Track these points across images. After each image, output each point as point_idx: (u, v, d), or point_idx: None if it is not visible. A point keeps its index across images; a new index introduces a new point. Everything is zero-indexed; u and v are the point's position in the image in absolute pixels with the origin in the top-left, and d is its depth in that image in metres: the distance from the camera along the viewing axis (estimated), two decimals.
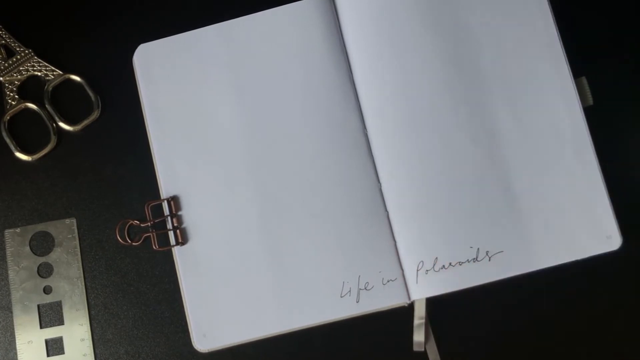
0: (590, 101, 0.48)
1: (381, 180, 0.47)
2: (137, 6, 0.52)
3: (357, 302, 0.46)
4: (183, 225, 0.47)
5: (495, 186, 0.47)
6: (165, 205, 0.48)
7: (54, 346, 0.47)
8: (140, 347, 0.48)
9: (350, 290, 0.46)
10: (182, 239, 0.47)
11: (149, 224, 0.48)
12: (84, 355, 0.47)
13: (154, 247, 0.48)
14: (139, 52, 0.49)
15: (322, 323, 0.46)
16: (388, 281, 0.46)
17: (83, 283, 0.48)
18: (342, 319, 0.46)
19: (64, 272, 0.48)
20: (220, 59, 0.49)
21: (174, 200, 0.48)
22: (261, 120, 0.48)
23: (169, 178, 0.48)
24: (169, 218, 0.47)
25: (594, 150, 0.47)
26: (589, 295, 0.48)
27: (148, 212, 0.48)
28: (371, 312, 0.46)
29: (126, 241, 0.48)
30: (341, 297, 0.46)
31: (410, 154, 0.47)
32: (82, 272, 0.48)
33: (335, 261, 0.47)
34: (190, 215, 0.47)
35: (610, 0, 0.52)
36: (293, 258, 0.47)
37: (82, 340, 0.47)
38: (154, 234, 0.48)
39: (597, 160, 0.47)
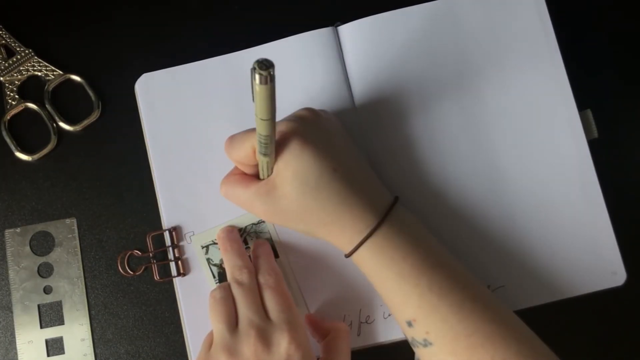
0: (595, 134, 0.48)
1: None
2: (140, 6, 0.52)
3: (358, 335, 0.46)
4: (184, 256, 0.47)
5: (498, 220, 0.47)
6: (166, 235, 0.47)
7: (54, 346, 0.48)
8: (140, 347, 0.48)
9: (351, 324, 0.46)
10: (184, 270, 0.47)
11: (149, 254, 0.48)
12: (84, 355, 0.47)
13: (155, 278, 0.48)
14: (141, 81, 0.49)
15: None
16: (389, 315, 0.46)
17: (83, 283, 0.48)
18: None
19: (64, 272, 0.48)
20: (224, 90, 0.48)
21: (176, 231, 0.47)
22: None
23: (171, 208, 0.48)
24: (170, 249, 0.47)
25: (599, 184, 0.47)
26: (593, 330, 0.48)
27: (149, 242, 0.48)
28: (372, 345, 0.46)
29: (127, 272, 0.48)
30: None
31: (411, 186, 0.47)
32: (82, 272, 0.48)
33: (336, 294, 0.46)
34: (191, 246, 0.47)
35: (617, 34, 0.51)
36: (294, 291, 0.46)
37: (83, 340, 0.47)
38: (155, 265, 0.48)
39: (603, 195, 0.47)
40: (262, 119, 0.34)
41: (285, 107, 0.48)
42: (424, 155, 0.47)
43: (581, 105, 0.48)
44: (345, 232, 0.40)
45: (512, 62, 0.48)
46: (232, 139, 0.42)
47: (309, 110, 0.42)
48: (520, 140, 0.47)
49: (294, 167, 0.39)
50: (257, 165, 0.41)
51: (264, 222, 0.47)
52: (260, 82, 0.31)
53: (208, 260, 0.47)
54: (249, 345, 0.39)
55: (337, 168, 0.40)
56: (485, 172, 0.47)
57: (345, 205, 0.40)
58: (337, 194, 0.40)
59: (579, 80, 0.48)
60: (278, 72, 0.48)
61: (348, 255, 0.41)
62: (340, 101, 0.48)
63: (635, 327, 0.48)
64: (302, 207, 0.40)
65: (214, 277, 0.47)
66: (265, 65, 0.30)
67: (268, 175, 0.41)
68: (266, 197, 0.41)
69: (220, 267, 0.47)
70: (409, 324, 0.40)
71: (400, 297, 0.40)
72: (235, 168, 0.44)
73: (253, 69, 0.31)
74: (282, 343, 0.39)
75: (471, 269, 0.46)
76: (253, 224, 0.47)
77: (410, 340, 0.41)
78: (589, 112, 0.48)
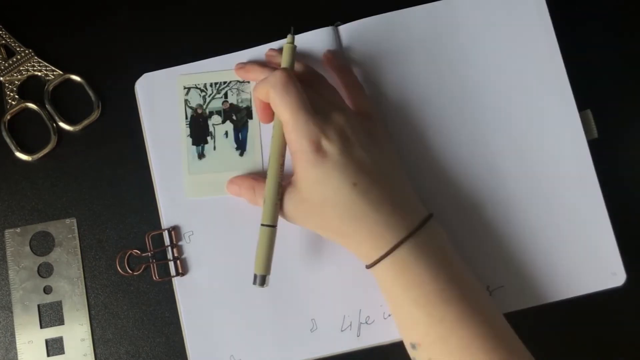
0: (595, 134, 0.48)
1: None
2: (140, 6, 0.52)
3: (357, 336, 0.46)
4: (183, 256, 0.47)
5: (497, 220, 0.47)
6: (165, 235, 0.47)
7: (54, 346, 0.48)
8: (140, 347, 0.48)
9: (351, 324, 0.46)
10: (182, 270, 0.47)
11: (149, 253, 0.48)
12: (84, 355, 0.47)
13: (154, 277, 0.47)
14: (141, 81, 0.49)
15: (322, 357, 0.46)
16: (389, 315, 0.46)
17: (83, 283, 0.48)
18: (342, 353, 0.46)
19: (64, 272, 0.48)
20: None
21: (175, 230, 0.47)
22: (262, 151, 0.48)
23: (170, 208, 0.48)
24: (169, 248, 0.47)
25: (598, 184, 0.46)
26: (593, 330, 0.48)
27: (148, 242, 0.48)
28: (372, 346, 0.46)
29: (126, 272, 0.48)
30: (342, 331, 0.46)
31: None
32: (82, 272, 0.48)
33: (336, 295, 0.46)
34: (190, 246, 0.47)
35: (617, 34, 0.51)
36: (294, 291, 0.47)
37: (83, 340, 0.47)
38: (154, 264, 0.47)
39: (602, 195, 0.46)
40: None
41: None
42: (423, 155, 0.47)
43: (581, 105, 0.48)
44: (362, 246, 0.40)
45: (512, 62, 0.48)
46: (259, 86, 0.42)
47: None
48: (520, 140, 0.47)
49: (315, 175, 0.39)
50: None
51: (248, 81, 0.48)
52: None
53: (186, 101, 0.48)
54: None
55: (358, 183, 0.39)
56: (484, 172, 0.47)
57: (363, 221, 0.39)
58: (355, 209, 0.39)
59: (579, 80, 0.48)
60: None
61: (368, 267, 0.41)
62: None
63: (635, 327, 0.48)
64: (321, 214, 0.40)
65: (186, 117, 0.48)
66: None
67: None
68: (288, 196, 0.41)
69: (195, 110, 0.48)
70: (413, 346, 0.40)
71: (409, 320, 0.40)
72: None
73: None
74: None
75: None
76: (238, 81, 0.48)
77: (412, 358, 0.41)
78: (589, 112, 0.48)
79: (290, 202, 0.42)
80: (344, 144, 0.40)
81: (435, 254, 0.40)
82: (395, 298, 0.40)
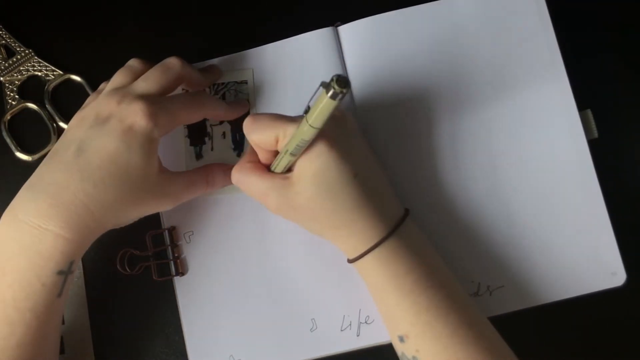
0: (595, 134, 0.48)
1: None
2: (139, 6, 0.52)
3: (357, 335, 0.46)
4: (183, 256, 0.48)
5: (497, 221, 0.47)
6: (166, 235, 0.48)
7: None
8: (140, 347, 0.48)
9: (350, 324, 0.46)
10: (182, 270, 0.47)
11: (149, 253, 0.48)
12: (84, 355, 0.47)
13: (154, 277, 0.48)
14: None
15: (322, 357, 0.46)
16: None
17: (83, 282, 0.48)
18: (342, 352, 0.46)
19: None
20: None
21: (175, 230, 0.48)
22: None
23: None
24: (169, 248, 0.47)
25: (599, 184, 0.47)
26: (593, 330, 0.48)
27: (149, 241, 0.48)
28: (372, 346, 0.46)
29: (127, 271, 0.48)
30: (341, 330, 0.46)
31: (410, 187, 0.47)
32: (82, 272, 0.48)
33: (336, 294, 0.46)
34: (190, 246, 0.48)
35: (617, 34, 0.51)
36: (293, 291, 0.47)
37: (83, 339, 0.47)
38: (154, 264, 0.48)
39: (603, 195, 0.46)
40: (312, 126, 0.35)
41: (286, 107, 0.48)
42: (422, 155, 0.47)
43: (581, 105, 0.48)
44: (352, 239, 0.40)
45: (512, 63, 0.48)
46: (256, 120, 0.40)
47: (338, 109, 0.42)
48: (520, 140, 0.47)
49: (316, 167, 0.39)
50: (274, 152, 0.41)
51: (246, 82, 0.48)
52: (332, 97, 0.32)
53: None
54: (109, 99, 0.41)
55: (358, 174, 0.39)
56: (484, 172, 0.47)
57: (358, 212, 0.39)
58: (353, 200, 0.39)
59: (579, 80, 0.48)
60: (278, 73, 0.49)
61: (351, 261, 0.41)
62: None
63: (635, 327, 0.48)
64: (317, 206, 0.40)
65: None
66: (343, 84, 0.32)
67: (284, 171, 0.41)
68: (282, 191, 0.40)
69: None
70: (401, 339, 0.40)
71: (396, 311, 0.40)
72: (248, 155, 0.43)
73: (328, 83, 0.32)
74: (136, 108, 0.40)
75: (471, 269, 0.46)
76: (236, 82, 0.48)
77: (399, 354, 0.41)
78: (589, 112, 0.48)
79: (283, 196, 0.40)
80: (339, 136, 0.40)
81: (417, 245, 0.41)
82: (380, 289, 0.40)
